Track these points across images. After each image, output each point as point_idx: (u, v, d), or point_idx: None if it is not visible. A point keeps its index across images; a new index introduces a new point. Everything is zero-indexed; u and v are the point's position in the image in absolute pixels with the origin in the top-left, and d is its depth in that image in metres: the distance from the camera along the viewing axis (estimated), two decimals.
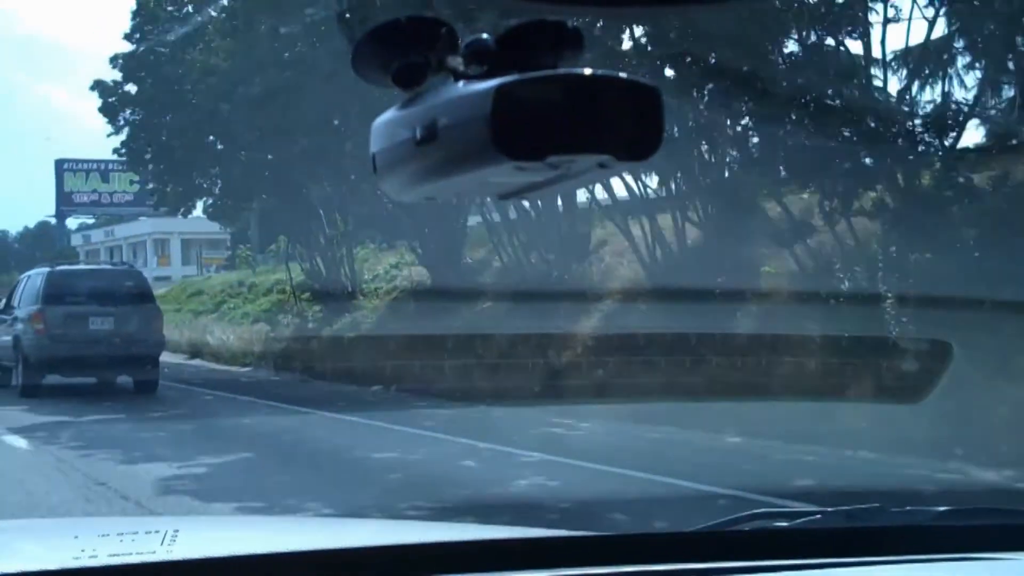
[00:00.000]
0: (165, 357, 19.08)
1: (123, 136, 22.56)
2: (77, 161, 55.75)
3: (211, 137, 19.35)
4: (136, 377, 13.30)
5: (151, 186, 24.58)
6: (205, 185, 21.57)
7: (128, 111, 21.91)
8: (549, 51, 0.87)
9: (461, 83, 0.87)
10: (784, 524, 1.56)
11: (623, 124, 0.85)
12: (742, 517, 1.60)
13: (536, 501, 6.36)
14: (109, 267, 18.24)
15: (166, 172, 21.78)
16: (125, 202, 55.67)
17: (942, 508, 1.57)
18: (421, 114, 0.88)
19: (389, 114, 0.92)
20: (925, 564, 1.49)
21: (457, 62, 0.88)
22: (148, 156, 22.34)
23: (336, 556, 1.42)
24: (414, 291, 16.96)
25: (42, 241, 51.85)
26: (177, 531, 1.61)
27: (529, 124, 0.82)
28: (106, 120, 22.12)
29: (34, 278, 13.81)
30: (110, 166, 56.22)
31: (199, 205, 23.66)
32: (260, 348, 19.10)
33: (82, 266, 17.27)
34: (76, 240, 57.56)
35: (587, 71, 0.85)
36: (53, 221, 57.48)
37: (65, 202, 54.40)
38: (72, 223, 57.82)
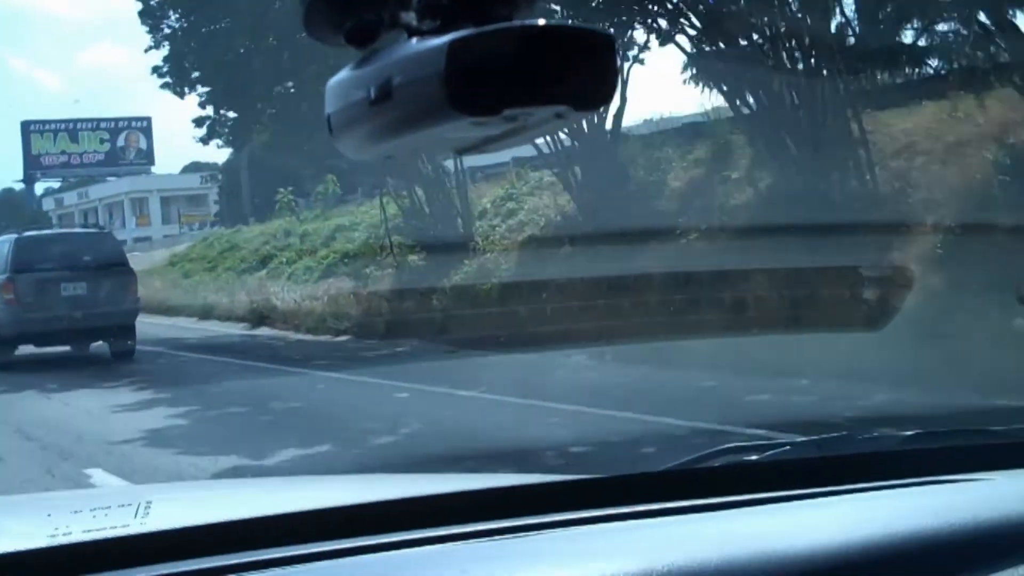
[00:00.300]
0: (223, 328, 17.65)
1: (165, 51, 18.80)
2: (44, 122, 54.26)
3: (272, 41, 16.04)
4: (113, 344, 13.08)
5: (203, 114, 20.88)
6: (271, 111, 17.84)
7: (173, 15, 18.11)
8: (503, 3, 0.87)
9: (414, 40, 0.87)
10: (754, 458, 1.55)
11: (578, 74, 0.85)
12: (711, 453, 1.59)
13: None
14: (79, 231, 17.96)
15: (221, 95, 18.36)
16: (96, 162, 54.59)
17: (910, 432, 1.57)
18: (375, 73, 0.88)
19: (343, 74, 0.92)
20: (897, 489, 1.49)
21: (410, 17, 0.87)
22: (196, 75, 18.76)
23: (324, 515, 1.40)
24: (555, 231, 13.91)
25: (7, 208, 50.70)
26: (150, 502, 1.59)
27: (484, 78, 0.82)
28: (146, 29, 18.58)
29: (0, 246, 13.43)
30: (79, 125, 54.85)
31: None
32: (357, 310, 15.51)
33: (50, 231, 16.66)
34: (48, 204, 56.48)
35: (540, 22, 0.85)
36: (18, 187, 56.33)
37: (33, 165, 53.19)
38: (39, 188, 56.85)
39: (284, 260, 20.86)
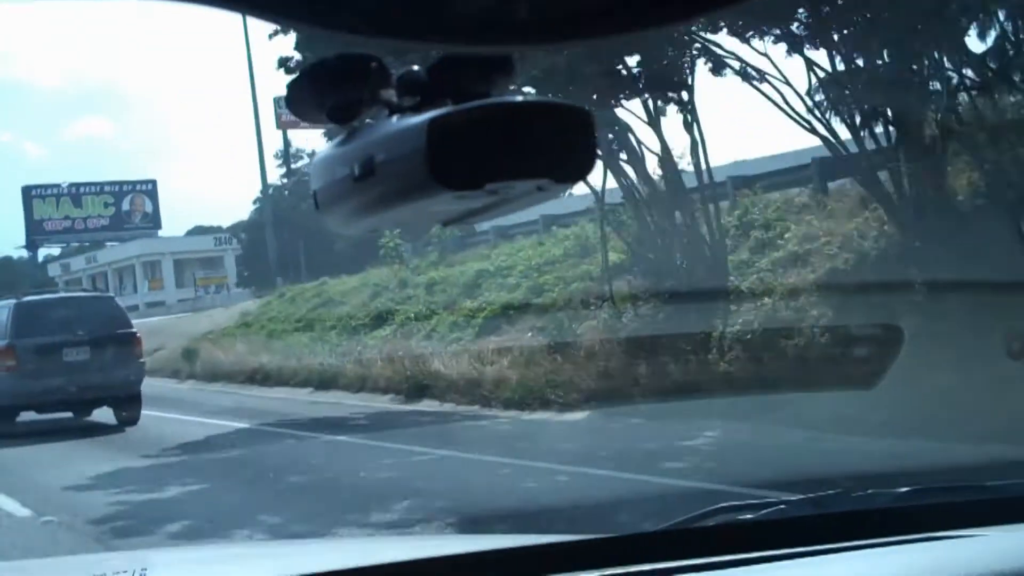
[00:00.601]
0: (366, 402, 13.85)
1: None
2: (46, 186, 53.56)
3: None
4: (118, 409, 12.69)
5: None
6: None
7: None
8: (480, 79, 0.88)
9: (395, 117, 0.89)
10: (749, 516, 1.56)
11: (557, 147, 0.86)
12: (707, 512, 1.60)
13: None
14: (81, 294, 17.66)
15: None
16: (101, 227, 53.70)
17: (904, 489, 1.57)
18: (358, 150, 0.90)
19: (327, 151, 0.94)
20: (892, 547, 1.49)
21: (390, 95, 0.89)
22: None
23: None
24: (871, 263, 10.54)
25: (8, 275, 48.96)
26: (145, 569, 1.59)
27: (465, 154, 0.84)
28: None
29: (0, 311, 12.98)
30: (82, 189, 53.85)
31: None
32: (582, 374, 11.27)
33: (50, 295, 16.02)
34: (54, 271, 55.55)
35: (518, 98, 0.88)
36: (17, 254, 55.29)
37: (36, 231, 52.37)
38: (41, 254, 56.00)
39: (412, 316, 16.87)
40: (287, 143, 46.35)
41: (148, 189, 55.21)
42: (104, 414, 13.03)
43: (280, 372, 17.43)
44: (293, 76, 0.97)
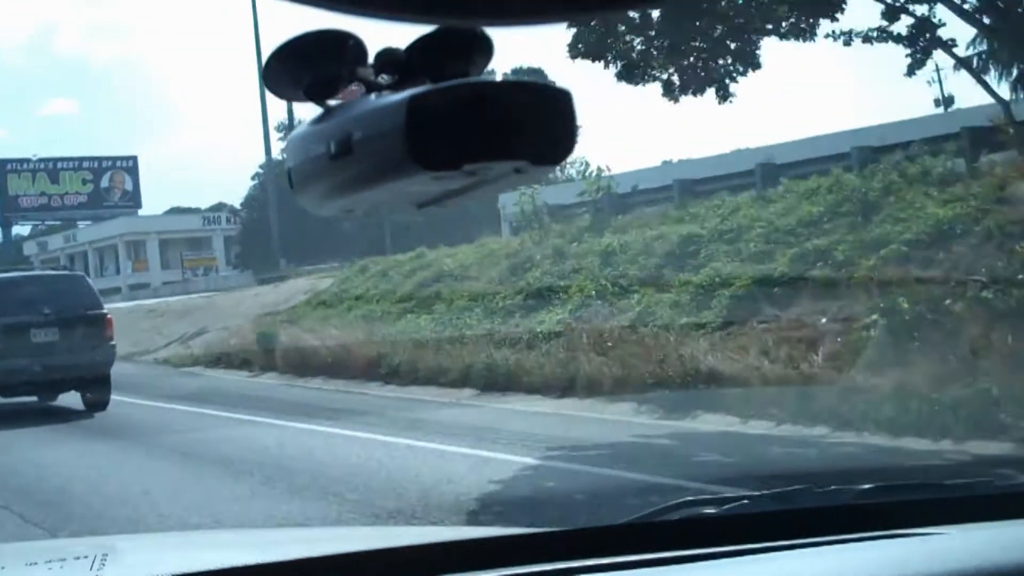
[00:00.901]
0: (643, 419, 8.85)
1: None
2: (22, 160, 51.61)
3: None
4: (86, 394, 12.21)
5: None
6: None
7: None
8: (460, 58, 0.88)
9: (373, 95, 0.88)
10: (712, 511, 1.56)
11: (536, 129, 0.85)
12: (670, 506, 1.60)
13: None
14: (50, 273, 16.97)
15: None
16: (79, 204, 51.89)
17: (866, 486, 1.58)
18: (335, 128, 0.89)
19: (303, 128, 0.93)
20: (853, 543, 1.50)
21: (368, 73, 0.88)
22: None
23: (281, 569, 1.39)
24: None
25: None
26: (106, 555, 1.58)
27: (443, 134, 0.83)
28: None
29: None
30: (60, 165, 51.88)
31: None
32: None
33: (18, 273, 15.04)
34: (30, 249, 53.39)
35: (498, 78, 0.87)
36: None
37: (10, 207, 50.59)
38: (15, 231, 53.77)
39: (592, 292, 12.89)
40: (291, 114, 45.56)
41: (129, 166, 53.41)
42: (72, 399, 12.45)
43: (414, 366, 13.07)
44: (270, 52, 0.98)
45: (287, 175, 0.94)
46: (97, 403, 12.14)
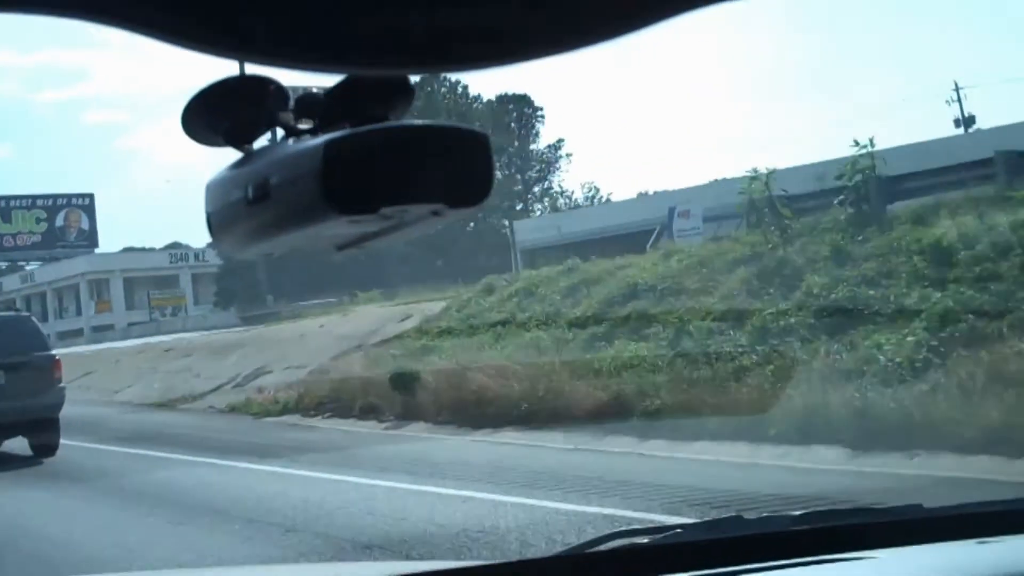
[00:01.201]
0: None
1: None
2: None
3: None
4: (33, 437, 11.72)
5: None
6: None
7: None
8: (379, 102, 0.88)
9: (291, 140, 0.88)
10: (644, 541, 1.55)
11: (453, 172, 0.86)
12: (602, 537, 1.59)
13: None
14: None
15: None
16: (32, 244, 50.34)
17: (798, 512, 1.58)
18: (252, 173, 0.89)
19: (221, 173, 0.93)
20: (786, 570, 1.50)
21: (288, 117, 0.89)
22: None
23: None
24: None
25: None
26: None
27: (359, 178, 0.83)
28: None
29: None
30: (12, 203, 50.34)
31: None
32: None
33: None
34: None
35: (415, 122, 0.87)
36: None
37: None
38: None
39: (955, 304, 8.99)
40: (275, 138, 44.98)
41: (85, 204, 52.08)
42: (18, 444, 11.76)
43: (688, 408, 9.27)
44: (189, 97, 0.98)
45: (207, 221, 0.94)
46: (45, 447, 11.74)
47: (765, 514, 1.61)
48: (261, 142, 0.94)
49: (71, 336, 42.95)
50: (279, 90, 0.88)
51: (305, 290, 32.14)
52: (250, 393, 15.79)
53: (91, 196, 53.33)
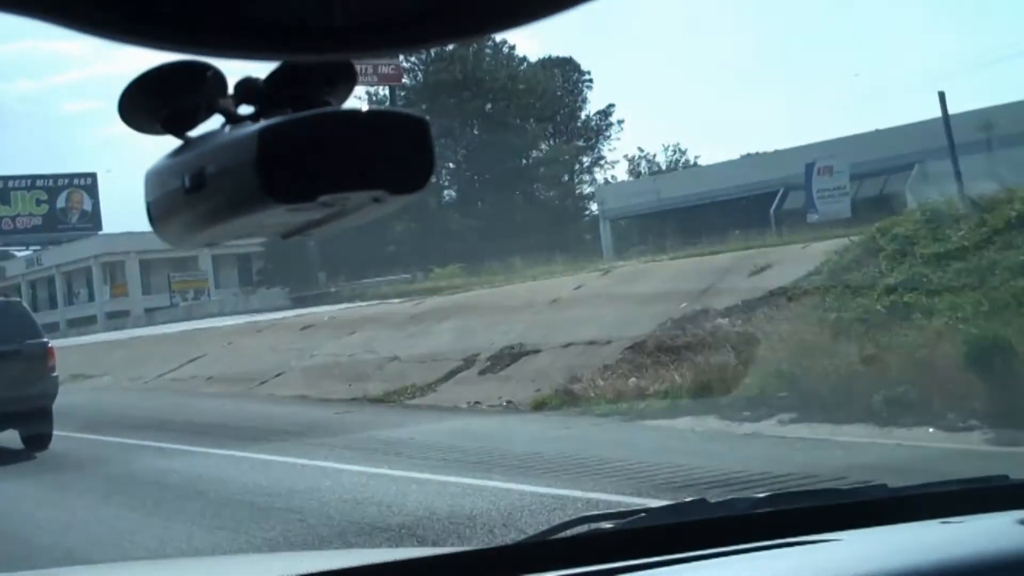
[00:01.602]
0: None
1: None
2: None
3: None
4: (25, 431, 11.34)
5: None
6: None
7: None
8: (321, 87, 0.87)
9: (228, 128, 0.87)
10: (608, 526, 1.55)
11: (393, 158, 0.85)
12: (568, 522, 1.59)
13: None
14: None
15: None
16: (32, 227, 48.95)
17: (761, 495, 1.58)
18: (189, 161, 0.88)
19: (160, 162, 0.91)
20: (750, 553, 1.50)
21: (228, 103, 0.88)
22: None
23: None
24: None
25: None
26: None
27: (297, 165, 0.82)
28: None
29: None
30: (11, 183, 48.88)
31: None
32: None
33: None
34: None
35: (353, 107, 0.86)
36: None
37: None
38: None
39: None
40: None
41: (87, 184, 50.79)
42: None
43: None
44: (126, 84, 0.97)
45: (146, 210, 0.93)
46: (37, 440, 11.36)
47: (729, 497, 1.61)
48: (204, 129, 0.92)
49: (83, 323, 41.60)
50: (217, 75, 0.86)
51: (362, 267, 31.06)
52: (548, 381, 11.37)
53: (94, 176, 51.92)
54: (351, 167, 0.83)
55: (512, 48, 49.23)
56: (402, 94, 46.14)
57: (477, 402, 11.66)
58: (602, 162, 52.62)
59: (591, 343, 12.13)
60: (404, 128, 0.86)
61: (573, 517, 1.60)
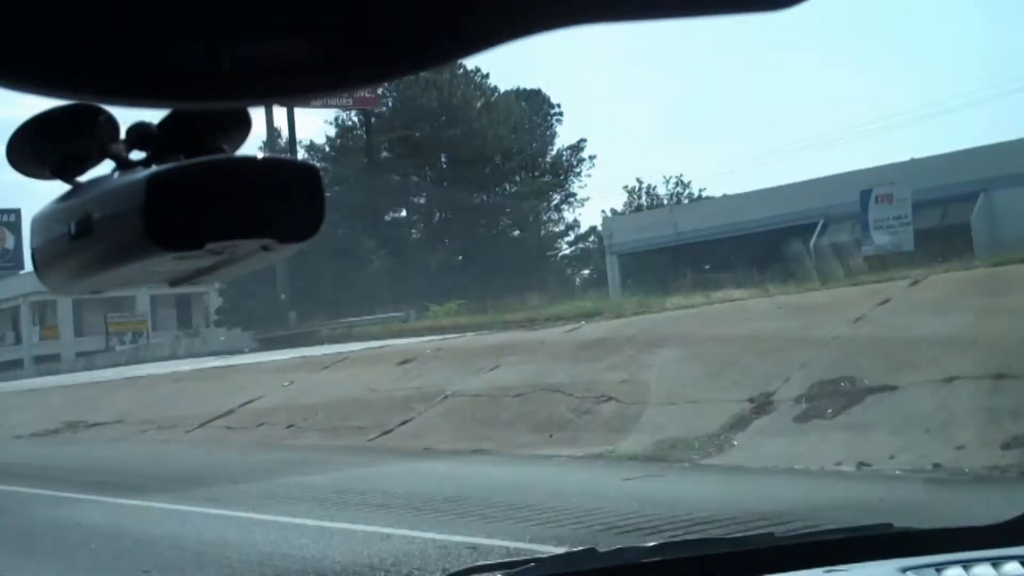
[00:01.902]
0: None
1: None
2: None
3: None
4: None
5: None
6: None
7: None
8: (214, 133, 0.87)
9: (117, 173, 0.86)
10: (498, 575, 1.55)
11: (283, 207, 0.84)
12: (461, 572, 1.58)
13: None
14: None
15: None
16: None
17: (653, 543, 1.60)
18: (76, 207, 0.86)
19: (47, 208, 0.90)
20: None
21: (120, 148, 0.86)
22: None
23: None
24: None
25: None
26: None
27: (184, 213, 0.81)
28: None
29: None
30: None
31: None
32: None
33: None
34: None
35: (245, 155, 0.86)
36: None
37: None
38: None
39: None
40: (293, 129, 39.87)
41: (11, 220, 49.26)
42: None
43: None
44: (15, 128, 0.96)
45: (32, 256, 0.91)
46: None
47: (619, 547, 1.62)
48: (94, 174, 0.91)
49: (6, 368, 40.17)
50: (109, 120, 0.86)
51: (338, 307, 29.56)
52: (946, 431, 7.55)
53: (17, 211, 50.32)
54: (239, 215, 0.83)
55: (486, 77, 48.33)
56: (373, 120, 45.37)
57: (863, 463, 7.43)
58: (571, 199, 51.39)
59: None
60: (295, 177, 0.86)
61: (464, 567, 1.59)
